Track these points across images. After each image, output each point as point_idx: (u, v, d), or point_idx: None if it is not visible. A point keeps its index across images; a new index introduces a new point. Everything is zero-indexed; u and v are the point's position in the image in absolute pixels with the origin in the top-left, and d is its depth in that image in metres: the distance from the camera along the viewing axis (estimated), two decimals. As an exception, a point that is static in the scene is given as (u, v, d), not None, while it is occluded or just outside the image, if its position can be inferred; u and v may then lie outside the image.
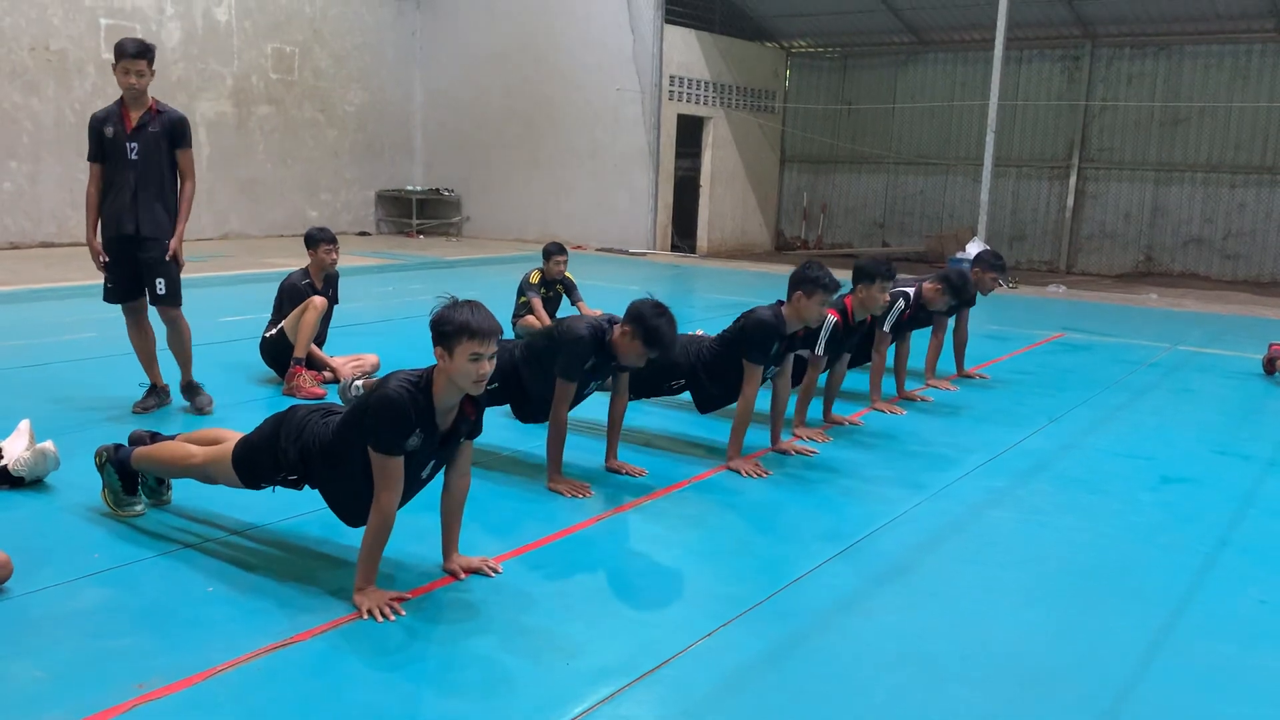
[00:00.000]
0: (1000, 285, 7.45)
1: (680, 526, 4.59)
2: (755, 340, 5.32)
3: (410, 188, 19.45)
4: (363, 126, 18.77)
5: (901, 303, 6.72)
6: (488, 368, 3.48)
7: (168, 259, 5.78)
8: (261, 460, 3.85)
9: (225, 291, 11.21)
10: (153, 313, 5.98)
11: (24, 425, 4.64)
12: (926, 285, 6.94)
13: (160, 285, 5.82)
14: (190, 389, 6.02)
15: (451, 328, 3.45)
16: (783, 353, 5.52)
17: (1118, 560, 4.36)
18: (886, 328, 6.66)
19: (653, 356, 4.75)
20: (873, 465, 5.56)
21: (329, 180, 18.35)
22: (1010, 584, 4.04)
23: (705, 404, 5.88)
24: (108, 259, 5.75)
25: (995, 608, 3.79)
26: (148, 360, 6.02)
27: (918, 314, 6.98)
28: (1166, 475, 5.61)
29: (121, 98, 5.72)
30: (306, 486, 3.86)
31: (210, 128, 16.17)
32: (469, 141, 19.30)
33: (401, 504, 3.59)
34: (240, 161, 16.75)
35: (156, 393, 5.99)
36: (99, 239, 5.76)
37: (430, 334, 3.52)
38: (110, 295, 5.91)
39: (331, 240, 6.94)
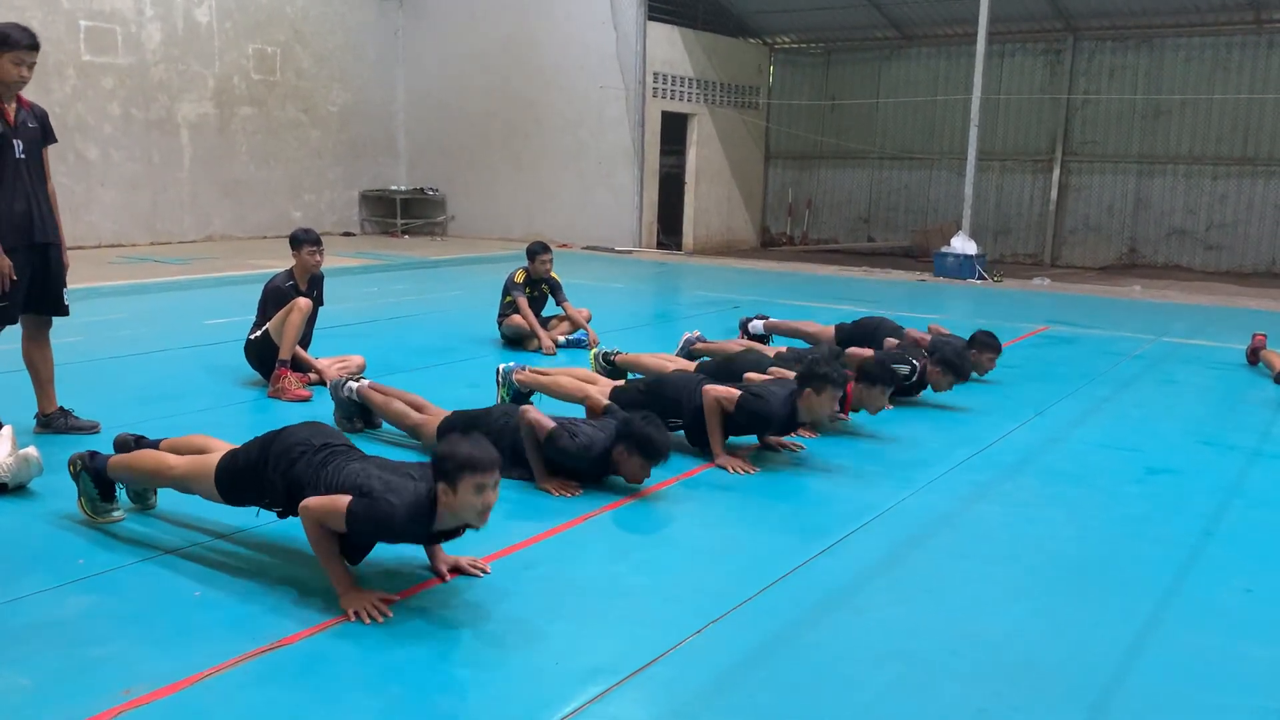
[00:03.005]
0: (995, 365, 7.52)
1: (668, 524, 4.59)
2: (759, 423, 5.38)
3: (394, 188, 19.39)
4: (346, 127, 18.70)
5: (907, 369, 6.66)
6: (492, 498, 3.44)
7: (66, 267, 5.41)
8: (245, 484, 3.83)
9: (209, 294, 11.16)
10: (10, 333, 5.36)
11: (6, 431, 4.60)
12: (931, 369, 6.79)
13: (66, 296, 5.44)
14: (65, 413, 5.51)
15: (453, 465, 3.37)
16: (778, 432, 5.60)
17: (1104, 552, 4.38)
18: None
19: (655, 466, 4.79)
20: (859, 460, 5.57)
21: (312, 181, 18.28)
22: (998, 578, 4.05)
23: (698, 445, 5.79)
24: (15, 277, 5.11)
25: (983, 602, 3.80)
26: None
27: (918, 385, 6.89)
28: (1152, 467, 5.64)
29: None
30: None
31: (192, 129, 16.09)
32: (453, 141, 19.26)
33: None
34: (223, 163, 16.67)
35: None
36: None
37: (431, 469, 3.46)
38: (7, 316, 5.23)
39: (315, 241, 6.90)
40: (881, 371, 5.92)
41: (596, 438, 4.82)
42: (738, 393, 5.35)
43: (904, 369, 6.62)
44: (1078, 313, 11.72)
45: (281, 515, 3.84)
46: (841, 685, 3.15)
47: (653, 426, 4.74)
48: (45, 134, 5.37)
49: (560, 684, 3.09)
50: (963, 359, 6.83)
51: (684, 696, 3.06)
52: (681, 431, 5.77)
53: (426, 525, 3.49)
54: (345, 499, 3.46)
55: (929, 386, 6.81)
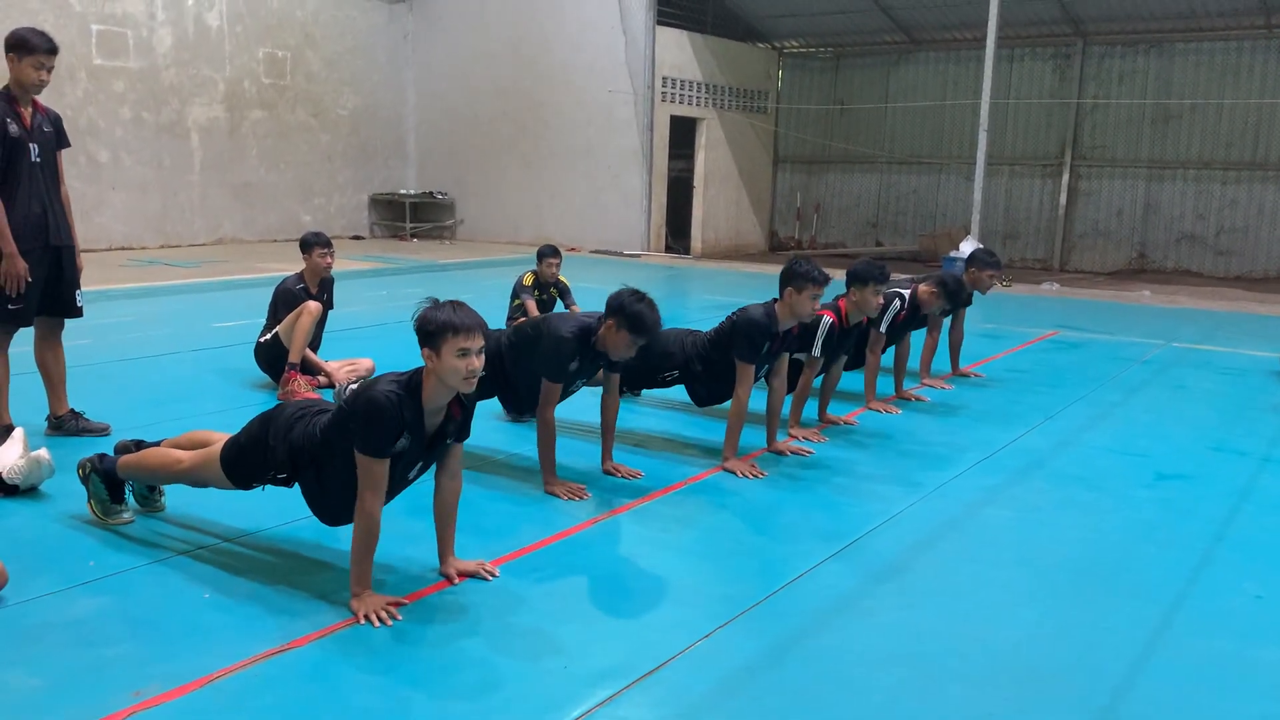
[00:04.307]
0: (998, 284, 7.49)
1: (676, 528, 4.59)
2: (746, 338, 5.33)
3: (404, 191, 19.43)
4: (355, 130, 18.75)
5: (897, 303, 6.73)
6: (477, 363, 3.47)
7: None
8: (250, 460, 3.84)
9: (219, 297, 11.20)
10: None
11: (18, 433, 4.63)
12: (922, 288, 6.95)
13: (80, 298, 5.48)
14: (76, 415, 5.55)
15: (435, 326, 3.45)
16: (775, 351, 5.52)
17: (1114, 557, 4.37)
18: (882, 329, 6.67)
19: (641, 343, 4.77)
20: (869, 465, 5.57)
21: (322, 184, 18.34)
22: (1007, 582, 4.04)
23: (699, 399, 5.91)
24: (30, 279, 5.16)
25: (992, 606, 3.80)
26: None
27: (913, 316, 6.99)
28: (1162, 472, 5.62)
29: (8, 93, 5.18)
30: (298, 484, 3.85)
31: (202, 133, 16.15)
32: (462, 144, 19.30)
33: (385, 502, 3.60)
34: (233, 166, 16.73)
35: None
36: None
37: (415, 337, 3.52)
38: (22, 318, 5.27)
39: (326, 244, 6.93)
40: (867, 268, 5.95)
41: (589, 324, 4.89)
42: (751, 369, 5.33)
43: (894, 303, 6.71)
44: (1087, 318, 11.70)
45: (288, 483, 3.85)
46: (849, 689, 3.15)
47: (644, 304, 4.70)
48: (59, 138, 5.43)
49: (569, 687, 3.09)
50: (958, 282, 6.90)
51: (692, 700, 3.06)
52: (682, 387, 5.78)
53: (418, 408, 3.52)
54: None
55: (926, 317, 7.06)
